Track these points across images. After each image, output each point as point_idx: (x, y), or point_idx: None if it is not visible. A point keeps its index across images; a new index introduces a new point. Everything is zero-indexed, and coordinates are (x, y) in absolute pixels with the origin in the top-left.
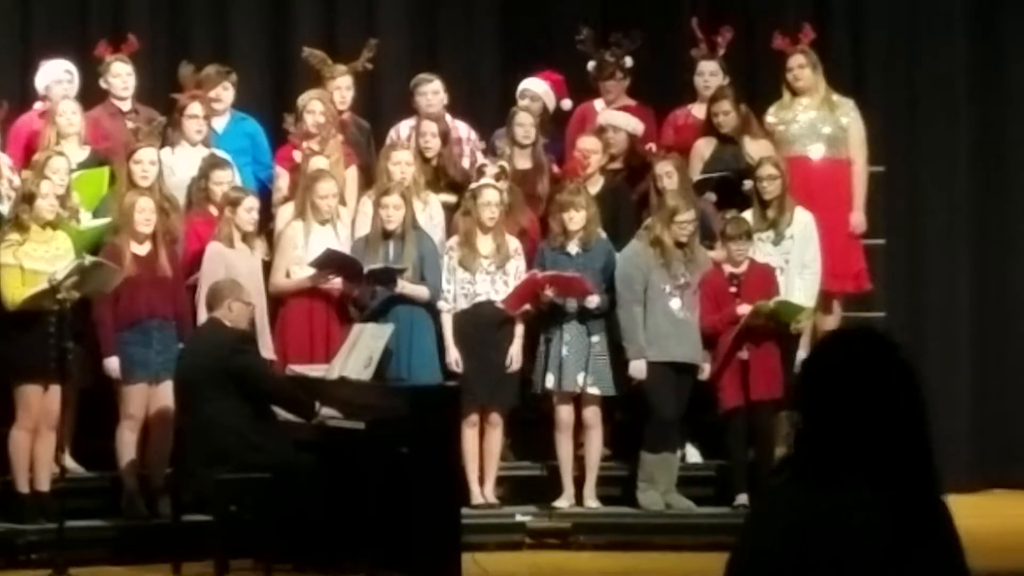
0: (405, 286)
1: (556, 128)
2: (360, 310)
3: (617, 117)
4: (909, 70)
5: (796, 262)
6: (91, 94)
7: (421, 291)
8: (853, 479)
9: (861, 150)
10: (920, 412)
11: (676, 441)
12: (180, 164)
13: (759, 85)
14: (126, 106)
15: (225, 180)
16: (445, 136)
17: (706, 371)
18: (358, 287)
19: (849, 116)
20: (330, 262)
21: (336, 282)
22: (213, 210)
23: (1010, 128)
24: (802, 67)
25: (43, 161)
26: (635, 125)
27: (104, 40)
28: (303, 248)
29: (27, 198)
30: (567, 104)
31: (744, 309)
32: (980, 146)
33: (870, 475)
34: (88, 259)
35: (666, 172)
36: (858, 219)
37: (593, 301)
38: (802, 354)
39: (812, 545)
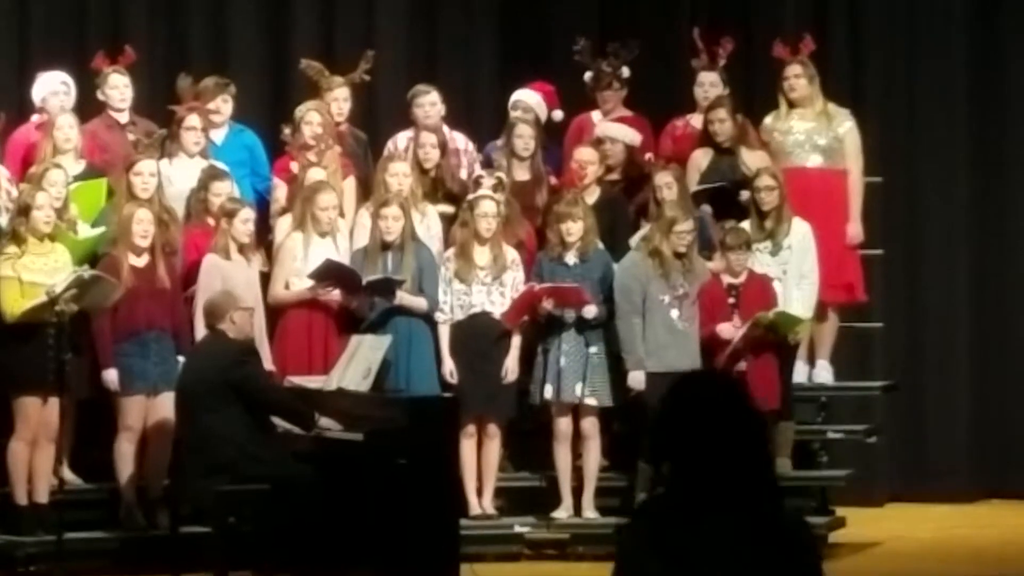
0: (404, 297)
1: (548, 139)
2: (358, 321)
3: (614, 129)
4: (908, 80)
5: (794, 273)
6: (88, 106)
7: (419, 302)
8: (715, 507)
9: (857, 160)
10: (760, 442)
11: None
12: (178, 176)
13: (757, 96)
14: (124, 118)
15: (224, 192)
16: (444, 147)
17: None
18: (357, 298)
19: (845, 127)
20: (329, 273)
21: (335, 294)
22: (212, 221)
23: (1008, 138)
24: (798, 77)
25: (40, 173)
26: (632, 136)
27: (101, 52)
28: (302, 260)
29: (24, 210)
30: (558, 115)
31: (726, 331)
32: (978, 156)
33: (728, 501)
34: (88, 273)
35: (666, 183)
36: (855, 230)
37: (590, 311)
38: (800, 364)
39: (687, 569)
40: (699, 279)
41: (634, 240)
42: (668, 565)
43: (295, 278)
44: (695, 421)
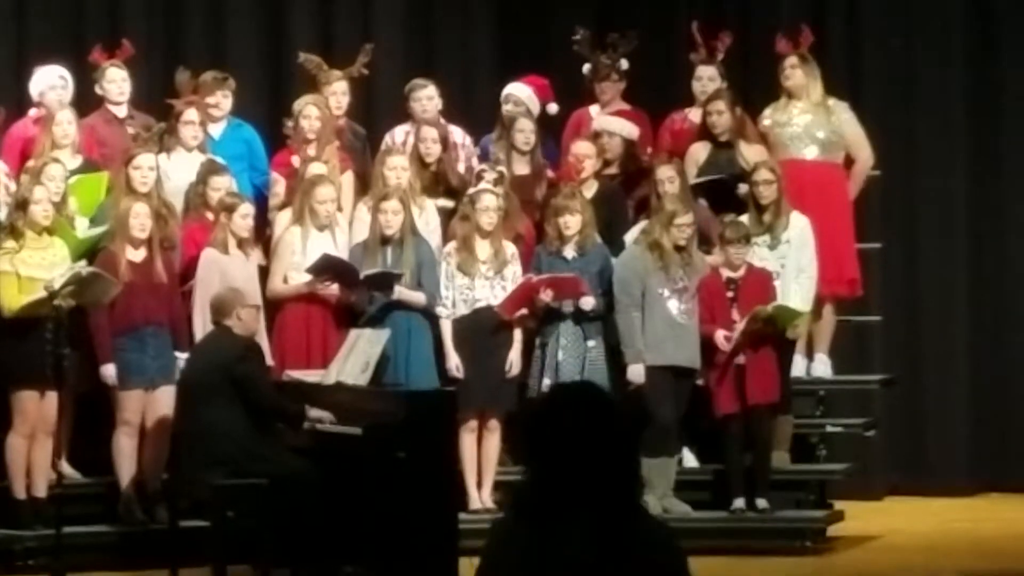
0: (402, 292)
1: (543, 132)
2: (357, 316)
3: (612, 122)
4: (905, 74)
5: (792, 266)
6: (86, 100)
7: (418, 297)
8: (570, 512)
9: (863, 148)
10: (624, 455)
11: (674, 445)
12: (176, 170)
13: (754, 90)
14: (122, 112)
15: (223, 186)
16: (445, 142)
17: (701, 379)
18: (355, 292)
19: (844, 119)
20: (327, 268)
21: (333, 288)
22: (210, 216)
23: (1006, 131)
24: (794, 67)
25: (38, 168)
26: (630, 129)
27: (99, 46)
28: (301, 254)
29: (22, 204)
30: (553, 108)
31: (720, 342)
32: (976, 149)
33: (585, 507)
34: (86, 270)
35: (668, 177)
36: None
37: (588, 303)
38: (799, 358)
39: (542, 572)
40: (698, 273)
41: (629, 236)
42: (523, 561)
43: (293, 272)
44: (565, 428)
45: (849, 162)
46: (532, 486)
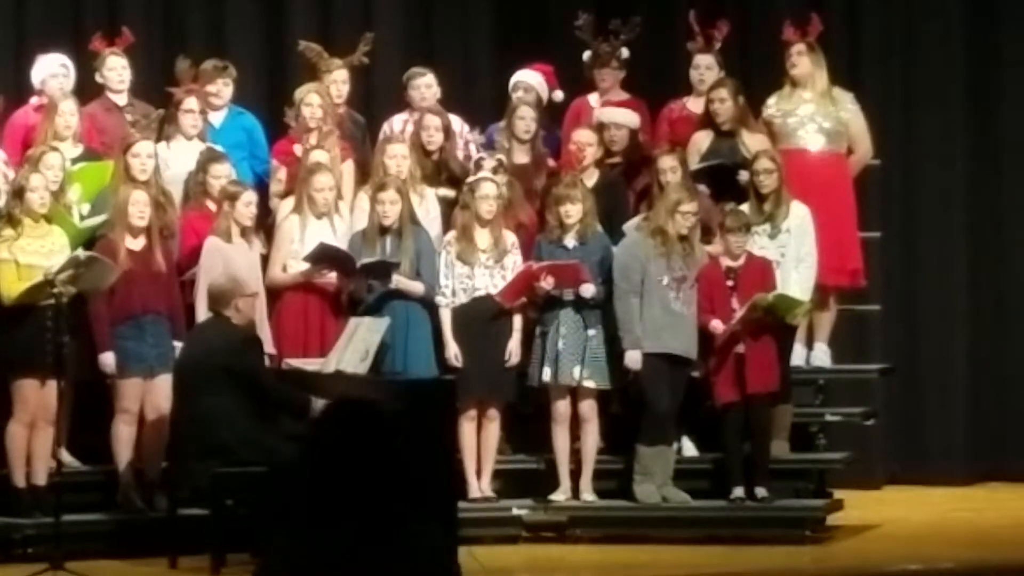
0: (400, 281)
1: (548, 121)
2: (355, 304)
3: (617, 114)
4: (905, 63)
5: (792, 256)
6: (87, 88)
7: (416, 286)
8: (342, 520)
9: (863, 141)
10: (396, 463)
11: (672, 434)
12: (175, 158)
13: (754, 79)
14: (122, 100)
15: (223, 174)
16: (447, 130)
17: (697, 370)
18: (353, 281)
19: (848, 110)
20: (324, 256)
21: (331, 276)
22: (210, 204)
23: (1005, 121)
24: (801, 55)
25: (37, 156)
26: (631, 118)
27: (99, 34)
28: (299, 242)
29: (19, 192)
30: (559, 95)
31: (717, 330)
32: (976, 139)
33: (356, 516)
34: (84, 254)
35: (670, 167)
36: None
37: (588, 290)
38: (798, 347)
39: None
40: (698, 264)
41: (628, 227)
42: (296, 562)
43: (292, 260)
44: (339, 441)
45: (848, 152)
46: (308, 492)
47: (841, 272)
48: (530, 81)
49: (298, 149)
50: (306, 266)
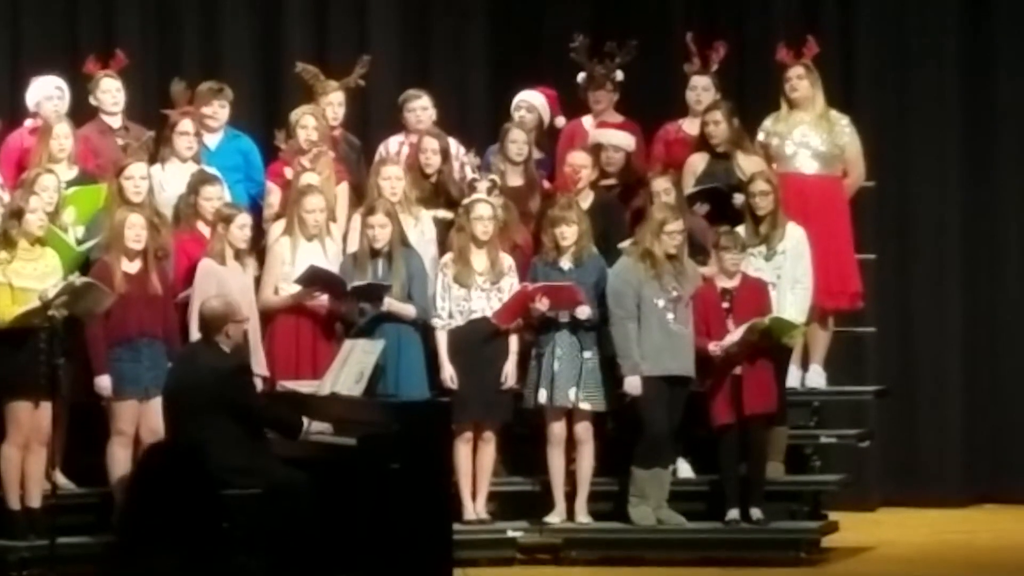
0: (392, 304)
1: (548, 145)
2: (347, 327)
3: (613, 136)
4: (899, 85)
5: (788, 277)
6: (82, 111)
7: (408, 309)
8: (161, 551)
9: (857, 166)
10: (210, 504)
11: (668, 456)
12: (171, 180)
13: (750, 100)
14: (116, 122)
15: (215, 196)
16: (445, 152)
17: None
18: (344, 304)
19: (846, 133)
20: (314, 279)
21: (323, 299)
22: (201, 226)
23: (1000, 143)
24: (800, 78)
25: (32, 178)
26: (627, 140)
27: (93, 56)
28: (290, 264)
29: (16, 214)
30: (561, 122)
31: (714, 350)
32: (970, 160)
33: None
34: (79, 280)
35: (664, 188)
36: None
37: (584, 312)
38: (793, 369)
39: None
40: (691, 281)
41: (625, 245)
42: None
43: (283, 283)
44: (156, 482)
45: (843, 175)
46: (130, 527)
47: (841, 295)
48: (533, 102)
49: (289, 172)
50: (298, 288)
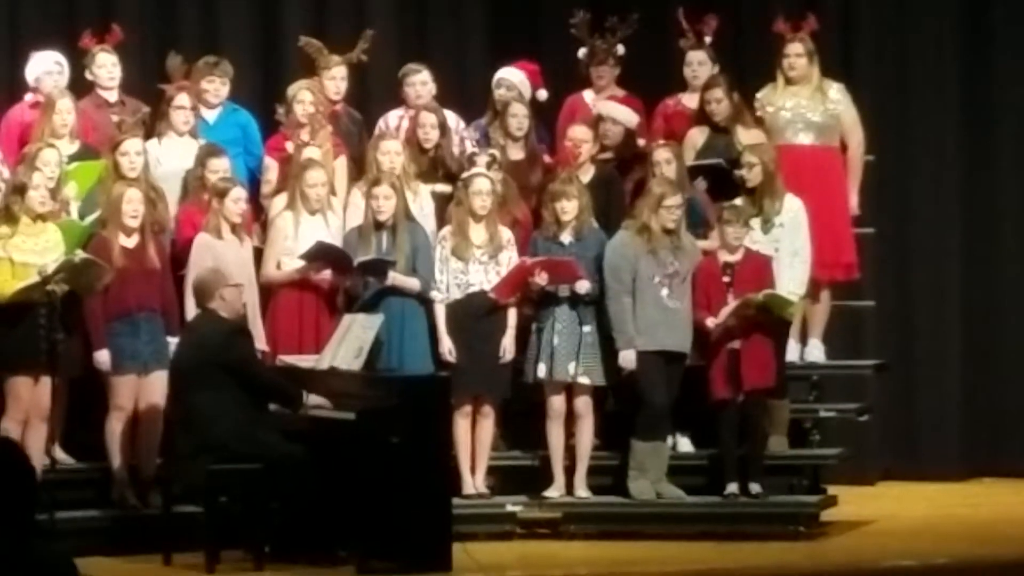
0: (396, 277)
1: (534, 118)
2: (352, 301)
3: (616, 110)
4: (898, 59)
5: (786, 250)
6: (79, 85)
7: (412, 283)
8: None
9: (855, 132)
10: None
11: (667, 430)
12: (167, 155)
13: (747, 73)
14: (112, 97)
15: (221, 168)
16: (443, 127)
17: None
18: (349, 279)
19: (839, 101)
20: (321, 254)
21: (326, 274)
22: (207, 198)
23: (999, 117)
24: (799, 56)
25: (34, 153)
26: (631, 117)
27: (89, 31)
28: (293, 238)
29: (18, 189)
30: (543, 95)
31: (708, 323)
32: (970, 134)
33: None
34: (78, 256)
35: (665, 159)
36: (854, 202)
37: (583, 286)
38: (792, 343)
39: None
40: (689, 257)
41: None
42: None
43: (286, 257)
44: None
45: (842, 146)
46: None
47: (836, 266)
48: (512, 79)
49: (290, 146)
50: (301, 263)
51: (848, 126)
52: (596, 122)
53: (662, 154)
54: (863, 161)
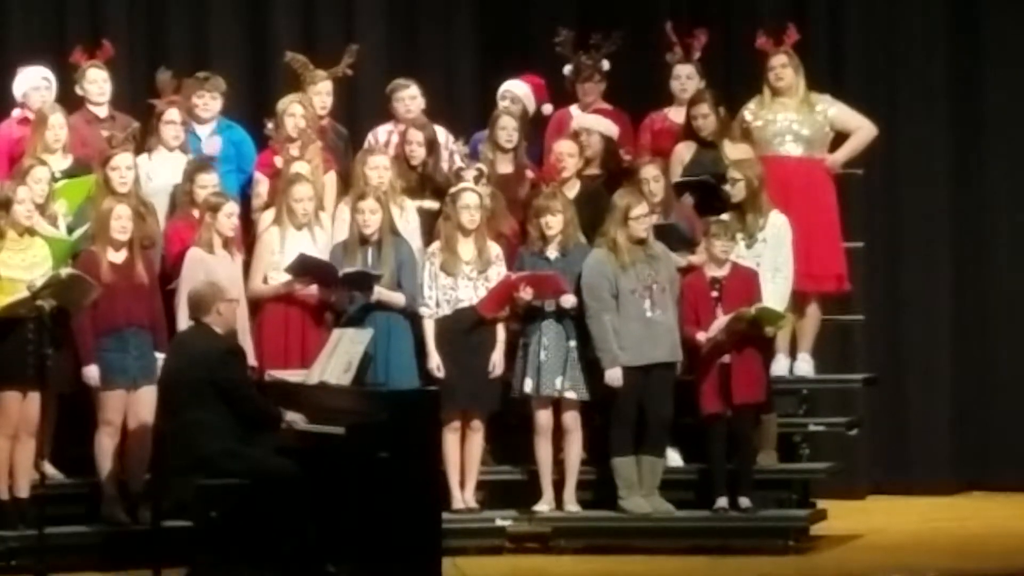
0: (381, 292)
1: (534, 133)
2: (337, 316)
3: (590, 119)
4: (888, 72)
5: (767, 265)
6: (69, 101)
7: (397, 298)
8: None
9: (854, 119)
10: None
11: (664, 443)
12: (158, 170)
13: (736, 88)
14: (102, 112)
15: (210, 183)
16: (431, 144)
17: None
18: (334, 292)
19: (829, 107)
20: (304, 268)
21: (312, 289)
22: (196, 214)
23: (988, 130)
24: (784, 67)
25: (25, 169)
26: (608, 127)
27: (79, 47)
28: (279, 253)
29: (4, 204)
30: (548, 109)
31: (702, 339)
32: (959, 147)
33: None
34: (65, 272)
35: (652, 176)
36: (835, 160)
37: (568, 301)
38: (780, 357)
39: None
40: (664, 264)
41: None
42: None
43: (272, 272)
44: None
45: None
46: None
47: (825, 278)
48: (516, 92)
49: (278, 161)
50: (287, 277)
51: (847, 120)
52: (576, 136)
53: (650, 171)
54: (865, 142)
